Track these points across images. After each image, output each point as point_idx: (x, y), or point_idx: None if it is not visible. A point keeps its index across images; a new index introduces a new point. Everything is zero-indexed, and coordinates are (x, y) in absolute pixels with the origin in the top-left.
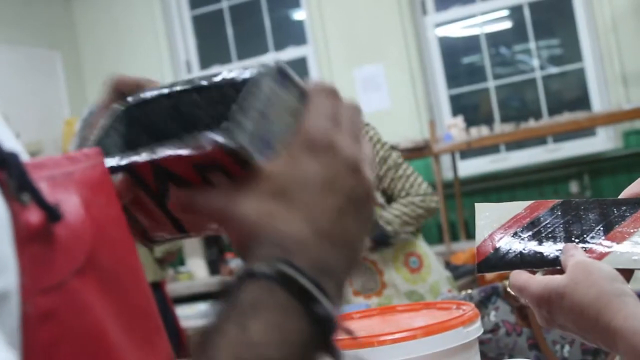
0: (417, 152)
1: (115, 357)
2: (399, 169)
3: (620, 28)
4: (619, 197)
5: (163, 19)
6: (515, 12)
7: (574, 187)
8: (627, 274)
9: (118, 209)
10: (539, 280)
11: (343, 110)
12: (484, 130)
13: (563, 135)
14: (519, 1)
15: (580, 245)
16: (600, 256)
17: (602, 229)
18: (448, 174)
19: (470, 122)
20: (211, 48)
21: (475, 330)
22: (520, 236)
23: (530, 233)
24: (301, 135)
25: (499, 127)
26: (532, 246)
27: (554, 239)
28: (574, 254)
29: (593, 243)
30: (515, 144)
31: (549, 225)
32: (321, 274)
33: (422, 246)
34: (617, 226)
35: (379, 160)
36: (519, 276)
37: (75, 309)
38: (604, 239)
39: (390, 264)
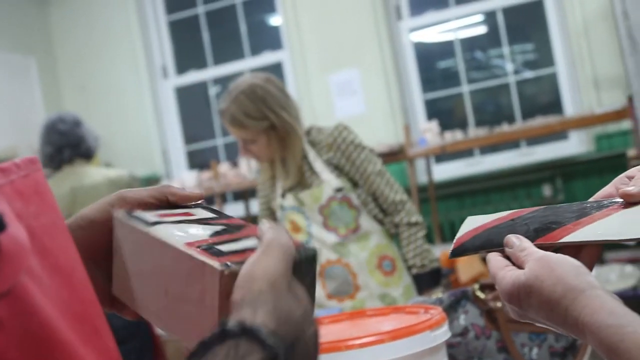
0: (392, 156)
1: (68, 354)
2: (385, 176)
3: (591, 33)
4: (592, 198)
5: (139, 24)
6: (489, 17)
7: (547, 190)
8: (591, 258)
9: (53, 216)
10: (507, 277)
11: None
12: (458, 135)
13: (536, 139)
14: (492, 6)
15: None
16: (564, 232)
17: (574, 217)
18: (423, 178)
19: (445, 127)
20: (187, 53)
21: (442, 334)
22: (497, 228)
23: (506, 225)
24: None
25: (473, 132)
26: (504, 232)
27: (527, 226)
28: (527, 247)
29: (561, 227)
30: (490, 148)
31: (525, 220)
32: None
33: (395, 250)
34: (589, 215)
35: (360, 162)
36: (492, 270)
37: (24, 314)
38: (573, 225)
39: (364, 267)
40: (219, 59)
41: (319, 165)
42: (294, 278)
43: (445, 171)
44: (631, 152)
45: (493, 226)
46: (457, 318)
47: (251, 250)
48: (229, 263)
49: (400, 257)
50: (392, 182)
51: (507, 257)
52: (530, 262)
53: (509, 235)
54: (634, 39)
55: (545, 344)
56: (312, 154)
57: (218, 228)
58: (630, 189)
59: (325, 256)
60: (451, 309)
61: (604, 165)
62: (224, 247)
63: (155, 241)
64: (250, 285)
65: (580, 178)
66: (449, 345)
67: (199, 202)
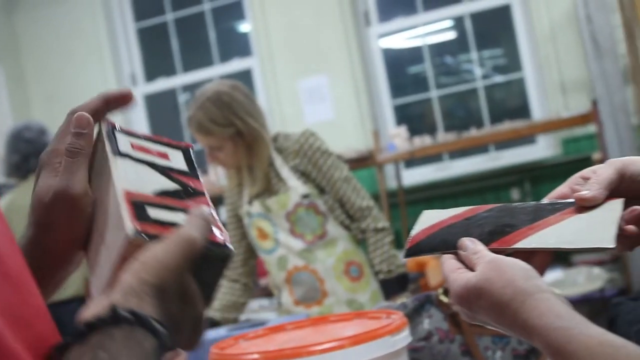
0: (361, 162)
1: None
2: (351, 182)
3: (558, 37)
4: (546, 197)
5: (107, 32)
6: (457, 23)
7: (515, 194)
8: (542, 263)
9: (0, 225)
10: (459, 280)
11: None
12: (427, 140)
13: (504, 143)
14: (460, 12)
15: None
16: (518, 237)
17: (529, 220)
18: (392, 183)
19: (414, 132)
20: (156, 60)
21: (403, 338)
22: (452, 228)
23: (461, 225)
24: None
25: (442, 137)
26: (459, 234)
27: (482, 227)
28: (479, 250)
29: (516, 231)
30: (459, 153)
31: (480, 220)
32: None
33: (362, 255)
34: (543, 218)
35: (327, 169)
36: (445, 272)
37: None
38: (527, 228)
39: (331, 273)
40: (188, 66)
41: (285, 171)
42: (188, 275)
43: (414, 176)
44: (596, 156)
45: (448, 225)
46: (421, 322)
47: (175, 227)
48: (142, 232)
49: (367, 263)
50: (359, 188)
51: (462, 260)
52: (481, 264)
53: (463, 239)
54: (597, 43)
55: (509, 347)
56: (279, 161)
57: (172, 187)
58: (585, 193)
59: (292, 262)
60: (415, 314)
61: (572, 169)
62: (154, 212)
63: (110, 173)
64: (141, 274)
65: (548, 181)
66: (413, 350)
67: (188, 147)
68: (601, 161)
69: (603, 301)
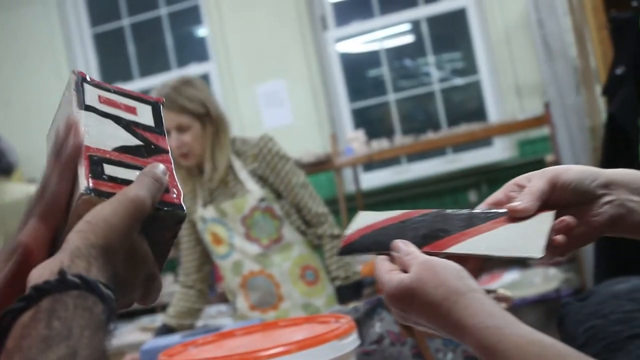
0: (319, 166)
1: None
2: (309, 188)
3: (512, 41)
4: (482, 204)
5: (63, 37)
6: (414, 27)
7: (472, 196)
8: (474, 269)
9: None
10: (392, 280)
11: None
12: (384, 143)
13: (462, 146)
14: (416, 16)
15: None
16: (451, 242)
17: (462, 226)
18: (350, 187)
19: (372, 135)
20: (113, 65)
21: (351, 342)
22: (387, 230)
23: (396, 228)
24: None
25: (400, 140)
26: (393, 235)
27: (416, 230)
28: (412, 252)
29: (449, 236)
30: (417, 156)
31: (415, 223)
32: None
33: (318, 260)
34: (476, 226)
35: (285, 174)
36: (378, 274)
37: None
38: (460, 234)
39: (287, 277)
40: (145, 71)
41: (244, 175)
42: (139, 235)
43: (373, 179)
44: (549, 158)
45: (383, 227)
46: (373, 326)
47: (128, 184)
48: (95, 190)
49: (323, 268)
50: (315, 194)
51: (395, 261)
52: (414, 265)
53: (396, 241)
54: (549, 47)
55: (459, 349)
56: (237, 164)
57: (133, 142)
58: (517, 204)
59: (247, 267)
60: (367, 317)
61: (528, 171)
62: (110, 169)
63: None
64: (88, 235)
65: (505, 183)
66: (365, 353)
67: (158, 101)
68: (554, 163)
69: (559, 301)
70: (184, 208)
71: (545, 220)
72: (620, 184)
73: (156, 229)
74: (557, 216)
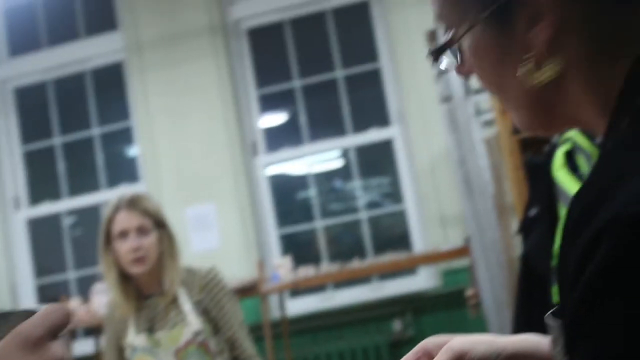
0: (245, 292)
1: None
2: (245, 327)
3: (437, 173)
4: None
5: None
6: (343, 154)
7: (397, 324)
8: None
9: None
10: None
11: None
12: (311, 270)
13: (387, 274)
14: (345, 144)
15: None
16: None
17: None
18: (276, 313)
19: (299, 260)
20: (41, 183)
21: None
22: None
23: None
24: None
25: (326, 266)
26: None
27: None
28: None
29: None
30: (343, 282)
31: None
32: None
33: None
34: None
35: (227, 310)
36: None
37: None
38: None
39: None
40: (75, 191)
41: (188, 307)
42: None
43: (299, 306)
44: (469, 292)
45: None
46: None
47: None
48: None
49: None
50: (248, 335)
51: None
52: None
53: None
54: (469, 184)
55: None
56: (183, 294)
57: None
58: None
59: None
60: None
61: (451, 300)
62: None
63: None
64: None
65: (430, 312)
66: None
67: None
68: (473, 297)
69: None
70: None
71: None
72: (524, 355)
73: None
74: None
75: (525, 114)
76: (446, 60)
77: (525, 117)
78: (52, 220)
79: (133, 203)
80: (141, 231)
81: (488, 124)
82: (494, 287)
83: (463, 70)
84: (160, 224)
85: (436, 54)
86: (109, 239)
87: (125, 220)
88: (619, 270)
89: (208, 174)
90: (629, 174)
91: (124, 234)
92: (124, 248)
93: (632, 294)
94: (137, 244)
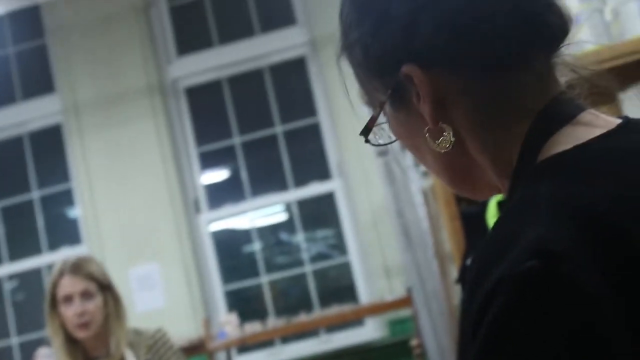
0: (192, 350)
1: None
2: None
3: (379, 224)
4: None
5: None
6: (286, 209)
7: None
8: None
9: None
10: None
11: None
12: (257, 326)
13: (334, 326)
14: (288, 198)
15: None
16: None
17: None
18: None
19: (246, 316)
20: None
21: None
22: None
23: None
24: None
25: (273, 322)
26: None
27: None
28: None
29: None
30: (290, 337)
31: None
32: None
33: None
34: None
35: None
36: None
37: None
38: None
39: None
40: (15, 255)
41: None
42: None
43: None
44: (414, 342)
45: None
46: None
47: None
48: None
49: None
50: None
51: None
52: None
53: None
54: (408, 235)
55: None
56: (129, 355)
57: None
58: None
59: None
60: None
61: (399, 350)
62: None
63: None
64: None
65: None
66: None
67: None
68: (418, 347)
69: None
70: None
71: None
72: None
73: None
74: None
75: (445, 177)
76: (375, 134)
77: (447, 180)
78: None
79: (77, 267)
80: (86, 295)
81: (427, 173)
82: (437, 335)
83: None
84: (105, 286)
85: (365, 133)
86: (54, 303)
87: (69, 285)
88: (508, 325)
89: (151, 233)
90: (518, 235)
91: (68, 299)
92: (69, 313)
93: (518, 345)
94: (81, 309)
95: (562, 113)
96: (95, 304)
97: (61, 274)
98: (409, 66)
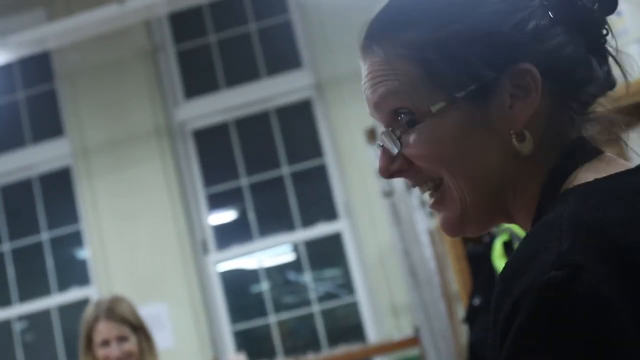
0: None
1: None
2: None
3: (387, 263)
4: None
5: None
6: (293, 249)
7: None
8: None
9: None
10: None
11: None
12: None
13: None
14: (295, 239)
15: None
16: None
17: None
18: None
19: (254, 356)
20: None
21: None
22: None
23: None
24: None
25: None
26: None
27: None
28: None
29: None
30: None
31: None
32: None
33: None
34: None
35: None
36: None
37: None
38: None
39: None
40: (25, 296)
41: None
42: None
43: None
44: None
45: None
46: None
47: None
48: None
49: None
50: None
51: None
52: None
53: None
54: (416, 275)
55: None
56: None
57: None
58: None
59: None
60: None
61: None
62: None
63: None
64: None
65: None
66: None
67: None
68: None
69: None
70: None
71: None
72: None
73: None
74: None
75: (474, 195)
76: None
77: (473, 198)
78: (3, 327)
79: (111, 312)
80: (121, 339)
81: (433, 214)
82: None
83: (395, 162)
84: (138, 327)
85: (390, 136)
86: (89, 345)
87: (105, 331)
88: (535, 331)
89: (159, 273)
90: (540, 253)
91: (105, 343)
92: (107, 354)
93: (544, 352)
94: (118, 353)
95: (586, 150)
96: (130, 345)
97: (96, 318)
98: (527, 65)
